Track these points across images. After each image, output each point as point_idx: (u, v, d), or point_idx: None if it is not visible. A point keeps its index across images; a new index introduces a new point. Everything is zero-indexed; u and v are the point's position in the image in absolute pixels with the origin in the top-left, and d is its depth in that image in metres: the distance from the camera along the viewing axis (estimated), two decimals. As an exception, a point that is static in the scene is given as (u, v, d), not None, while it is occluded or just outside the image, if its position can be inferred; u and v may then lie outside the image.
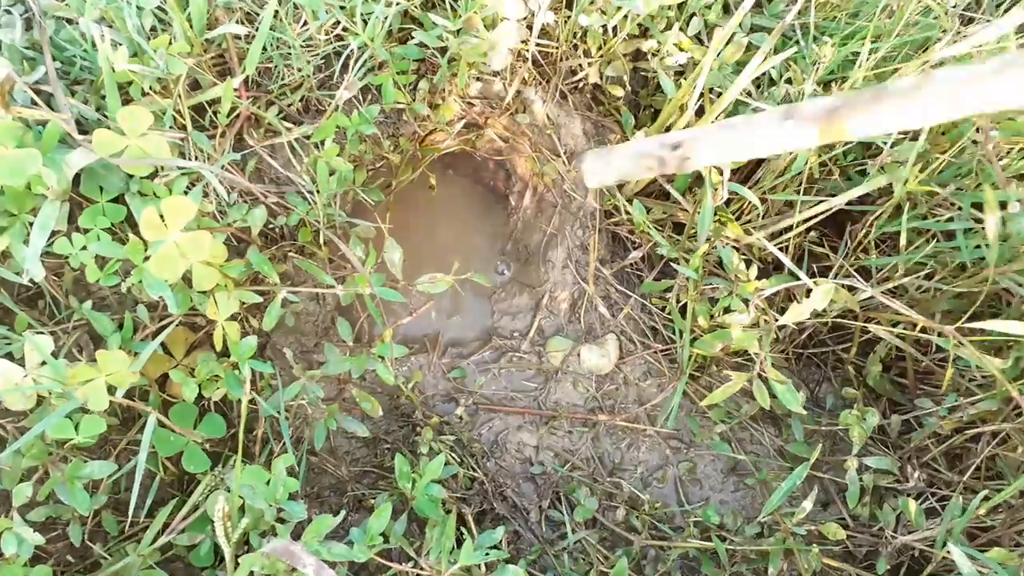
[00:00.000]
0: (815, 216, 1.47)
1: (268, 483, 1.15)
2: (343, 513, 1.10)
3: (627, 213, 1.58)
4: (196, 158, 1.24)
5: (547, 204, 1.69)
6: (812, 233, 1.57)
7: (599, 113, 1.66)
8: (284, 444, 1.26)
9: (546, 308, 1.65)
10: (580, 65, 1.54)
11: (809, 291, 1.35)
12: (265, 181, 1.39)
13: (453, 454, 1.44)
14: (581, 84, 1.60)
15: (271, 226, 1.34)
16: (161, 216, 1.00)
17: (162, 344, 1.32)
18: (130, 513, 1.17)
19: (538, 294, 1.67)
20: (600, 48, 1.51)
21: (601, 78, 1.61)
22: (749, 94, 1.49)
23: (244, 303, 1.31)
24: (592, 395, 1.59)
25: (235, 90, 1.29)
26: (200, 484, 1.27)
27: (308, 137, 1.26)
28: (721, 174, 1.45)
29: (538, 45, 1.48)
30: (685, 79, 1.47)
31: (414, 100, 1.42)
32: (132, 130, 1.08)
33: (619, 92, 1.61)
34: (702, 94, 1.46)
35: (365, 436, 1.33)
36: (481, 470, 1.47)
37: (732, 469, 1.57)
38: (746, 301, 1.41)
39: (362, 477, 1.49)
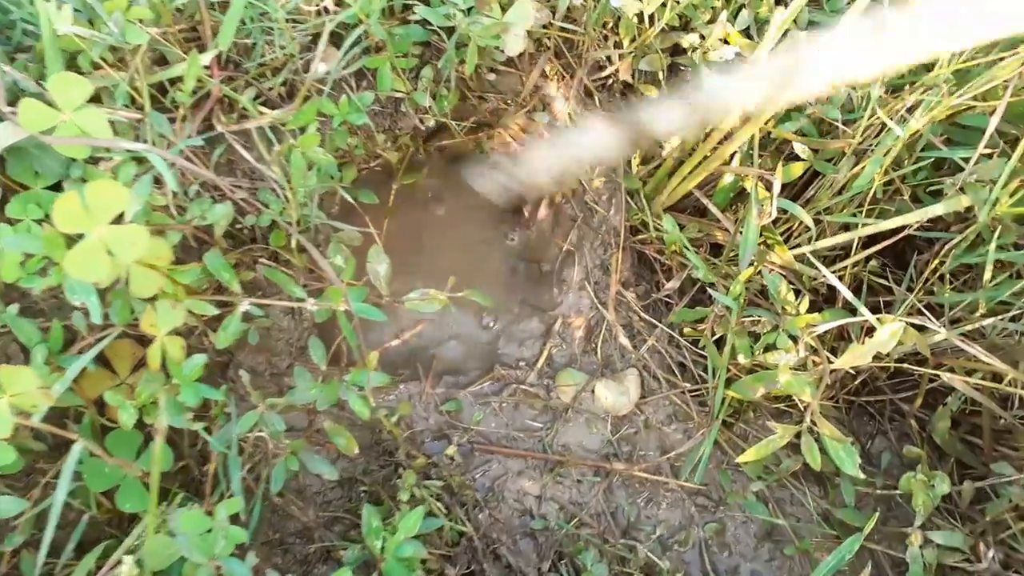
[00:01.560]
0: (877, 241, 1.28)
1: (209, 532, 0.97)
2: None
3: (656, 229, 1.39)
4: (154, 143, 1.07)
5: (565, 217, 1.51)
6: (872, 262, 1.38)
7: (629, 116, 1.48)
8: (232, 486, 1.08)
9: (558, 335, 1.47)
10: (609, 58, 1.37)
11: (870, 330, 1.16)
12: (238, 175, 1.22)
13: (440, 503, 1.26)
14: (610, 81, 1.43)
15: (239, 226, 1.17)
16: (87, 205, 0.83)
17: (104, 359, 1.15)
18: (40, 558, 1.00)
19: (550, 319, 1.48)
20: (633, 40, 1.34)
21: (633, 76, 1.43)
22: (805, 97, 1.31)
23: (201, 315, 1.14)
24: (607, 439, 1.40)
25: (205, 67, 1.13)
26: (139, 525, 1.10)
27: (287, 126, 1.09)
28: (769, 188, 1.27)
29: (561, 31, 1.31)
30: (730, 77, 1.29)
31: (415, 89, 1.26)
32: (66, 102, 0.92)
33: (653, 93, 1.44)
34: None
35: (335, 479, 1.14)
36: (472, 523, 1.28)
37: (768, 534, 1.37)
38: (794, 338, 1.22)
39: (333, 524, 1.31)
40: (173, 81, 1.14)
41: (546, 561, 1.30)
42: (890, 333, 1.11)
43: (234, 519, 1.12)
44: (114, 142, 0.92)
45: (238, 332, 1.06)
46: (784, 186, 1.38)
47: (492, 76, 1.36)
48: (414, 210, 1.47)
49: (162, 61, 1.16)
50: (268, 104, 1.20)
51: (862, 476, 1.13)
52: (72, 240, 0.86)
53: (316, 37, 1.21)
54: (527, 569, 1.30)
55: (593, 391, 1.42)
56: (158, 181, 1.10)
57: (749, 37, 1.34)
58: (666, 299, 1.46)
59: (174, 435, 1.22)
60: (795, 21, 1.35)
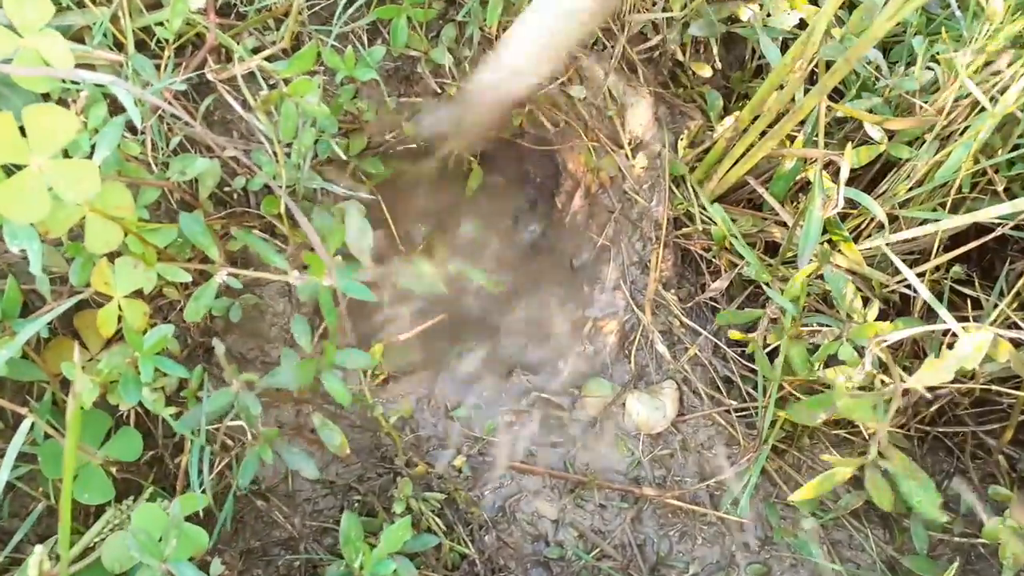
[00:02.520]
0: (961, 243, 1.10)
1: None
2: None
3: (703, 222, 1.24)
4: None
5: (601, 208, 1.37)
6: (956, 268, 1.20)
7: (677, 95, 1.33)
8: (195, 478, 0.95)
9: (587, 340, 1.32)
10: (656, 26, 1.23)
11: (951, 346, 0.98)
12: (234, 136, 1.11)
13: (440, 519, 1.11)
14: (657, 54, 1.29)
15: (228, 189, 1.06)
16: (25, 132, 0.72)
17: (74, 330, 1.04)
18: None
19: (579, 321, 1.33)
20: (684, 5, 1.20)
21: (683, 51, 1.29)
22: (878, 69, 1.14)
23: (182, 285, 1.03)
24: (637, 460, 1.24)
25: (201, 11, 1.02)
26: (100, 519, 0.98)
27: (282, 73, 0.98)
28: (836, 178, 1.10)
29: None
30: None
31: (434, 47, 1.13)
32: (25, 23, 0.81)
33: (706, 72, 1.30)
34: (814, 69, 1.12)
35: (314, 478, 1.00)
36: (476, 545, 1.13)
37: (821, 582, 1.18)
38: (860, 351, 1.04)
39: (323, 535, 1.17)
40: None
41: (559, 595, 1.14)
42: (975, 345, 0.93)
43: (202, 520, 1.00)
44: (74, 72, 0.81)
45: (211, 305, 0.93)
46: (853, 176, 1.22)
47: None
48: (431, 192, 1.34)
49: (157, 6, 1.06)
50: (270, 60, 1.09)
51: (943, 519, 0.95)
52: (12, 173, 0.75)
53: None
54: (537, 603, 1.13)
55: (624, 405, 1.26)
56: (136, 131, 0.99)
57: (814, 3, 1.18)
58: (711, 303, 1.29)
59: (148, 423, 1.10)
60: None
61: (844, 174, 1.06)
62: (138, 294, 0.92)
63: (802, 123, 1.22)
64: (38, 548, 0.65)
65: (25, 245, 0.77)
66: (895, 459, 0.93)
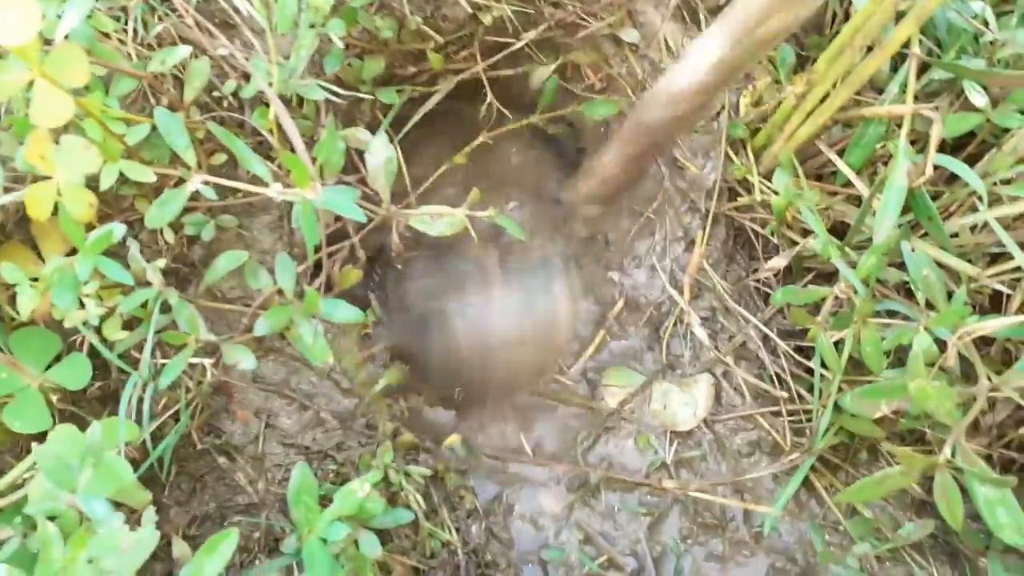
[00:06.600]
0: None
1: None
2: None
3: (763, 191, 1.09)
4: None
5: (646, 176, 1.23)
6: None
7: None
8: (124, 406, 0.84)
9: (615, 322, 1.18)
10: (723, -37, 1.11)
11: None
12: (237, 45, 1.01)
13: (423, 499, 0.97)
14: (724, 2, 1.16)
15: (217, 95, 0.96)
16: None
17: (30, 237, 0.95)
18: None
19: (608, 300, 1.20)
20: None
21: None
22: (985, 24, 1.00)
23: (151, 184, 0.93)
24: (660, 461, 1.09)
25: None
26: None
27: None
28: (924, 148, 0.96)
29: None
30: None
31: (467, -38, 1.03)
32: None
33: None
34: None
35: (253, 367, 0.87)
36: (461, 533, 0.99)
37: (871, 625, 1.01)
38: (941, 345, 0.88)
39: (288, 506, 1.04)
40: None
41: (555, 605, 0.99)
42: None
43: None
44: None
45: (175, 213, 0.82)
46: (949, 148, 1.06)
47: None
48: (451, 142, 1.22)
49: None
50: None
51: (1030, 549, 0.78)
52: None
53: None
54: (526, 610, 0.99)
55: (650, 396, 1.12)
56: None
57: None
58: (765, 287, 1.14)
59: (104, 356, 1.00)
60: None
61: (935, 134, 0.91)
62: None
63: (881, 91, 1.08)
64: None
65: (-48, 97, 0.67)
66: (973, 464, 0.76)
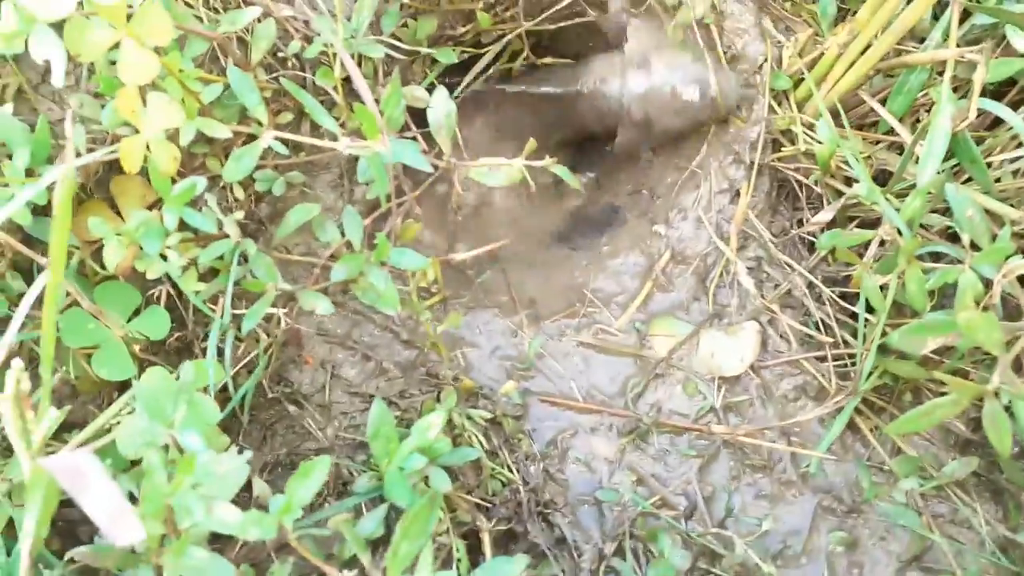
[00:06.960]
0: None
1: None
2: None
3: (807, 142, 1.12)
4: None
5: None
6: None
7: (785, 9, 1.22)
8: (212, 353, 0.89)
9: (662, 274, 1.21)
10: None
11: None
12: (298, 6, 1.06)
13: (484, 438, 1.02)
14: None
15: (281, 55, 1.00)
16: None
17: (108, 196, 1.00)
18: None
19: (655, 252, 1.23)
20: None
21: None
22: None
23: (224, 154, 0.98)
24: (708, 406, 1.13)
25: None
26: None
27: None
28: (966, 95, 0.98)
29: None
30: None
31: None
32: None
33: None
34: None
35: (329, 312, 0.92)
36: (521, 472, 1.04)
37: (915, 558, 1.05)
38: (986, 283, 0.91)
39: (356, 451, 1.10)
40: None
41: (611, 541, 1.04)
42: None
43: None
44: None
45: (249, 169, 0.87)
46: (995, 93, 1.08)
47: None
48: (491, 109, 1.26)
49: None
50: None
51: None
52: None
53: None
54: (585, 545, 1.04)
55: (698, 344, 1.16)
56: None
57: None
58: (810, 237, 1.17)
59: (180, 307, 1.05)
60: None
61: (979, 76, 0.93)
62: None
63: (922, 40, 1.10)
64: (15, 362, 0.59)
65: (49, 55, 0.72)
66: (1021, 392, 0.80)
